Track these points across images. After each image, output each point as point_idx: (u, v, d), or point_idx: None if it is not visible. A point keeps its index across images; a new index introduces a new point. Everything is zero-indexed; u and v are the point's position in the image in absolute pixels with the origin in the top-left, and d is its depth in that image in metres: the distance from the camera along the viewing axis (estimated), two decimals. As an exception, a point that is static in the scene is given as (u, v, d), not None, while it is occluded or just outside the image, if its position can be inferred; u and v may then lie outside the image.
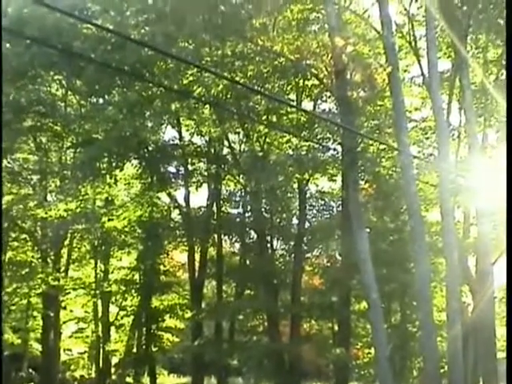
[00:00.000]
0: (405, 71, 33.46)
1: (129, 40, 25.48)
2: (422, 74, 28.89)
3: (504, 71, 31.24)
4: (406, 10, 29.91)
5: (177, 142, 35.61)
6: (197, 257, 36.98)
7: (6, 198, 33.18)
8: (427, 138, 33.88)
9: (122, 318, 39.00)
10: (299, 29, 28.65)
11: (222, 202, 36.92)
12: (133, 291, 37.82)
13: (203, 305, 37.36)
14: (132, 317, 38.93)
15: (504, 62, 31.05)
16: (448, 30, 27.29)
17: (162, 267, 38.15)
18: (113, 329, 39.28)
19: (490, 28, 29.46)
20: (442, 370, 24.55)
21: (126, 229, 36.14)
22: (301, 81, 32.19)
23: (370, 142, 29.99)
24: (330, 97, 31.85)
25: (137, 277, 38.27)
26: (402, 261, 32.01)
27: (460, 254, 25.53)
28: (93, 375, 40.38)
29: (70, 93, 35.57)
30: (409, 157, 24.51)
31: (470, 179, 26.98)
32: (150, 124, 32.67)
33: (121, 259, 38.80)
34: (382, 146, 31.23)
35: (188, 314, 37.28)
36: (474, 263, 29.58)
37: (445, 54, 31.63)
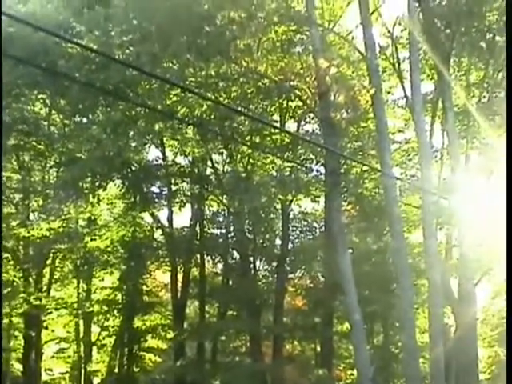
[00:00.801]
0: (388, 93, 33.70)
1: (112, 60, 25.51)
2: (406, 96, 28.97)
3: (486, 94, 31.53)
4: (389, 32, 30.06)
5: (160, 162, 35.62)
6: (179, 277, 36.95)
7: (-12, 217, 33.03)
8: (410, 160, 34.07)
9: (104, 338, 38.80)
10: (283, 50, 28.78)
11: (205, 222, 36.90)
12: (115, 311, 37.64)
13: (186, 325, 37.29)
14: (114, 337, 38.71)
15: (486, 85, 31.37)
16: (431, 52, 27.46)
17: (144, 287, 38.01)
18: (95, 349, 39.07)
19: (473, 51, 29.77)
20: (424, 392, 24.58)
21: (109, 249, 36.03)
22: (284, 102, 32.26)
23: (354, 163, 30.09)
24: (313, 118, 31.95)
25: (119, 297, 38.10)
26: (384, 282, 32.08)
27: (442, 276, 25.57)
28: (74, 396, 40.12)
29: (53, 112, 35.50)
30: (392, 178, 24.61)
31: (452, 201, 27.08)
32: (133, 144, 32.69)
33: (103, 279, 38.63)
34: (365, 168, 31.36)
35: (170, 335, 37.18)
36: (457, 284, 29.65)
37: (428, 77, 31.83)
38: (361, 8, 25.76)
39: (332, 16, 32.28)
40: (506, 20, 18.77)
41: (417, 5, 26.96)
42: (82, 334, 38.25)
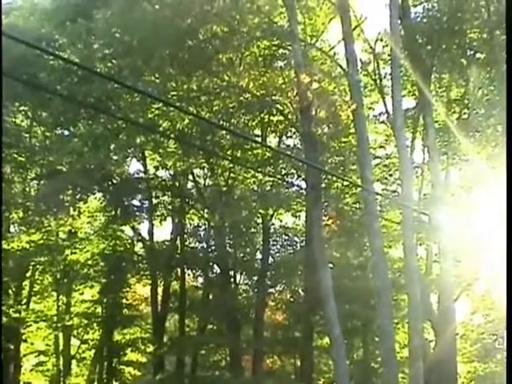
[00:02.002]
0: (369, 108, 33.85)
1: (92, 73, 25.52)
2: (387, 112, 29.12)
3: (466, 110, 31.77)
4: (371, 48, 30.21)
5: (141, 175, 35.61)
6: (160, 290, 36.86)
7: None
8: (391, 175, 34.23)
9: (83, 351, 38.62)
10: (266, 65, 28.91)
11: (185, 236, 36.83)
12: (95, 324, 37.48)
13: (165, 339, 37.13)
14: (93, 350, 38.53)
15: (466, 102, 31.60)
16: (412, 68, 27.63)
17: (124, 301, 37.84)
18: (74, 362, 38.89)
19: (454, 67, 29.95)
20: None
21: (89, 262, 35.92)
22: (266, 116, 32.28)
23: (334, 178, 30.18)
24: (294, 133, 32.05)
25: (99, 310, 37.95)
26: (364, 297, 32.09)
27: (422, 291, 25.61)
28: (53, 409, 39.87)
29: (35, 124, 35.43)
30: (372, 193, 24.68)
31: (432, 216, 27.21)
32: (115, 157, 32.67)
33: (83, 292, 38.48)
34: (345, 183, 31.44)
35: (150, 348, 37.06)
36: (437, 300, 29.75)
37: (409, 93, 32.04)
38: (343, 24, 25.89)
39: (314, 31, 32.39)
40: (506, 20, 18.91)
41: (398, 21, 27.11)
42: (61, 347, 38.05)
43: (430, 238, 30.09)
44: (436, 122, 30.03)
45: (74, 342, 38.77)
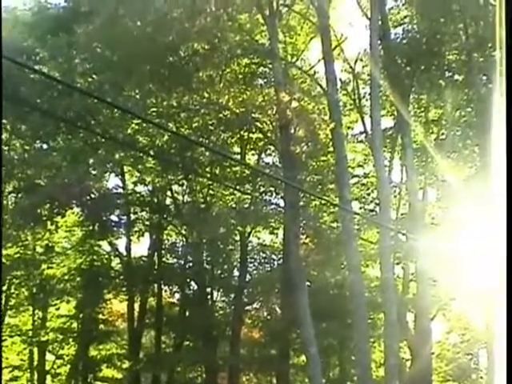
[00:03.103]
0: (348, 128, 34.00)
1: (71, 88, 25.52)
2: (365, 131, 29.31)
3: (444, 131, 32.01)
4: (351, 67, 30.46)
5: (120, 190, 35.46)
6: (136, 306, 36.68)
7: None
8: (369, 194, 34.35)
9: (58, 366, 38.29)
10: (246, 82, 29.02)
11: (163, 252, 36.74)
12: (70, 340, 37.20)
13: (141, 355, 36.93)
14: (69, 366, 38.24)
15: (444, 123, 31.85)
16: (391, 89, 27.82)
17: (100, 316, 37.61)
18: (49, 378, 38.50)
19: (432, 89, 30.20)
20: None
21: (66, 276, 35.68)
22: (245, 134, 32.32)
23: (313, 196, 30.27)
24: (274, 150, 32.13)
25: (75, 325, 37.66)
26: (341, 315, 32.12)
27: (399, 310, 25.72)
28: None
29: (13, 137, 35.25)
30: (350, 212, 24.79)
31: (409, 236, 27.32)
32: (93, 172, 32.57)
33: (59, 307, 38.23)
34: (324, 201, 31.52)
35: (126, 365, 36.82)
36: (413, 319, 29.86)
37: (388, 112, 32.21)
38: (323, 43, 26.10)
39: (295, 50, 32.54)
40: (506, 20, 19.15)
41: (378, 42, 27.34)
42: (35, 363, 37.71)
43: (407, 258, 30.22)
44: (414, 142, 30.22)
45: (49, 357, 38.42)
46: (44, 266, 34.36)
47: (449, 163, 30.25)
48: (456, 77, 29.75)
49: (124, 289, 36.94)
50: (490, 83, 25.46)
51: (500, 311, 24.98)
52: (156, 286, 36.53)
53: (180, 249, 36.96)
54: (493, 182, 23.53)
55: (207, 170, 32.03)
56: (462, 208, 30.32)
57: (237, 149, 34.11)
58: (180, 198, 35.92)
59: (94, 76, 29.16)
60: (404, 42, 29.82)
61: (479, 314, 33.23)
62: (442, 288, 33.05)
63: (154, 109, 29.53)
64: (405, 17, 30.95)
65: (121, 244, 36.38)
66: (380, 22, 27.69)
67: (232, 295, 36.13)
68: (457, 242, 27.76)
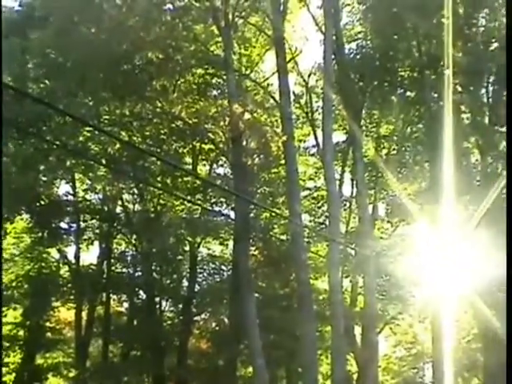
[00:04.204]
0: (301, 141, 34.16)
1: (23, 94, 25.26)
2: (317, 145, 29.46)
3: (395, 146, 32.33)
4: (304, 81, 30.64)
5: (70, 197, 35.21)
6: (84, 315, 36.40)
7: None
8: (319, 208, 34.53)
9: (3, 375, 37.83)
10: (199, 93, 29.02)
11: (112, 260, 36.52)
12: (16, 347, 36.76)
13: (88, 364, 36.62)
14: (14, 374, 37.78)
15: (396, 138, 32.17)
16: (344, 103, 28.05)
17: (48, 324, 37.24)
18: (-7, 386, 38.12)
19: (384, 104, 30.53)
20: None
21: (13, 283, 35.27)
22: (198, 144, 32.28)
23: (263, 208, 30.35)
24: (225, 162, 32.16)
25: (21, 333, 37.23)
26: (289, 327, 32.15)
27: (346, 323, 25.88)
28: None
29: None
30: (300, 225, 24.91)
31: (358, 250, 27.53)
32: (44, 178, 32.30)
33: (6, 315, 37.75)
34: (274, 213, 31.63)
35: (72, 373, 36.46)
36: (360, 332, 30.05)
37: (340, 127, 32.47)
38: (278, 56, 26.29)
39: (249, 62, 32.66)
40: (506, 21, 19.41)
41: (332, 56, 27.57)
42: (-20, 370, 37.29)
43: (355, 271, 30.40)
44: (365, 156, 30.49)
45: (-6, 364, 38.00)
46: (-9, 273, 33.94)
47: (399, 178, 30.56)
48: (408, 93, 30.09)
49: (72, 297, 36.62)
50: (441, 100, 25.77)
51: (447, 325, 25.27)
52: (104, 294, 36.28)
53: (129, 258, 36.74)
54: (442, 198, 23.87)
55: (158, 179, 31.93)
56: (411, 223, 30.70)
57: (189, 159, 34.07)
58: (130, 206, 35.77)
59: (47, 82, 28.92)
60: (358, 57, 30.14)
61: (426, 327, 33.62)
62: (390, 302, 33.40)
63: (107, 116, 29.43)
64: (359, 33, 31.27)
65: (70, 252, 36.15)
66: (334, 37, 27.94)
67: (180, 305, 36.05)
68: (405, 256, 28.07)
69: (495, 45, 26.81)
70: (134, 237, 34.51)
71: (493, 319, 23.33)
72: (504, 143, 28.21)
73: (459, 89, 27.18)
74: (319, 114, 29.61)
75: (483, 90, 28.07)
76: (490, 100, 27.81)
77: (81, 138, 29.95)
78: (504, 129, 28.02)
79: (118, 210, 35.81)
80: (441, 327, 26.06)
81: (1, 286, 31.83)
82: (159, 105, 27.57)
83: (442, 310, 25.67)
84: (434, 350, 27.44)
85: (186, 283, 36.50)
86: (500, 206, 25.97)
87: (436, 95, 27.58)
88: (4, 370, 37.10)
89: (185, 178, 32.06)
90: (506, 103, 18.99)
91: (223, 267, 37.11)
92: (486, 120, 27.76)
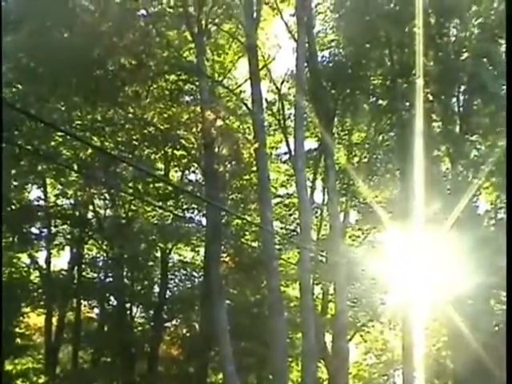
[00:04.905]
0: (273, 148, 34.21)
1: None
2: (289, 152, 29.52)
3: (367, 154, 32.49)
4: (277, 88, 30.73)
5: (41, 202, 35.03)
6: (54, 321, 36.20)
7: None
8: (291, 215, 34.57)
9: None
10: (172, 99, 28.98)
11: (83, 266, 36.34)
12: (-15, 353, 36.55)
13: (58, 370, 36.43)
14: (-18, 380, 37.54)
15: (367, 146, 32.33)
16: (316, 111, 28.15)
17: (17, 330, 36.97)
18: (-39, 392, 37.77)
19: (356, 112, 30.68)
20: None
21: (-18, 289, 35.09)
22: (170, 150, 32.24)
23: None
24: (197, 168, 32.14)
25: (-10, 339, 37.03)
26: (260, 334, 32.18)
27: (317, 330, 25.94)
28: None
29: None
30: (271, 232, 24.96)
31: (329, 257, 27.61)
32: (14, 183, 32.13)
33: (-26, 320, 37.50)
34: (245, 220, 31.68)
35: (42, 380, 36.20)
36: (331, 339, 30.11)
37: (312, 134, 32.54)
38: (250, 63, 26.34)
39: (222, 68, 32.67)
40: (506, 20, 19.51)
41: (305, 64, 27.69)
42: None
43: (326, 278, 30.48)
44: (337, 164, 30.59)
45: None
46: (-41, 278, 33.67)
47: (370, 186, 30.71)
48: (380, 101, 30.23)
49: (42, 302, 36.38)
50: (413, 109, 25.95)
51: (418, 332, 25.41)
52: (75, 300, 36.11)
53: (100, 263, 36.59)
54: (412, 206, 24.04)
55: (130, 185, 31.87)
56: (381, 231, 30.87)
57: (161, 165, 34.05)
58: (102, 212, 35.65)
59: (19, 86, 28.78)
60: (330, 65, 30.28)
61: (396, 335, 33.78)
62: (361, 309, 33.52)
63: (79, 122, 29.33)
64: (332, 41, 31.37)
65: (41, 257, 35.93)
66: (307, 45, 28.02)
67: (152, 311, 35.97)
68: (376, 263, 28.23)
69: (466, 54, 27.00)
70: (106, 242, 34.37)
71: (462, 326, 23.48)
72: (474, 152, 28.53)
73: (430, 98, 27.38)
74: (291, 121, 29.68)
75: (454, 99, 28.25)
76: (461, 109, 28.00)
77: (52, 143, 29.83)
78: (474, 137, 28.35)
79: (90, 215, 35.66)
80: (411, 334, 26.24)
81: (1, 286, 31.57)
82: (131, 110, 27.53)
83: (413, 318, 25.87)
84: (404, 357, 27.54)
85: (157, 289, 36.41)
86: (470, 214, 26.29)
87: (407, 104, 27.75)
88: (-28, 376, 36.84)
89: (156, 184, 32.02)
90: (506, 103, 19.12)
91: (194, 273, 37.10)
92: (457, 129, 27.94)
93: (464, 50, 27.30)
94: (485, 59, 26.84)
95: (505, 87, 27.15)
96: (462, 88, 27.98)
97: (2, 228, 33.85)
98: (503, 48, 27.48)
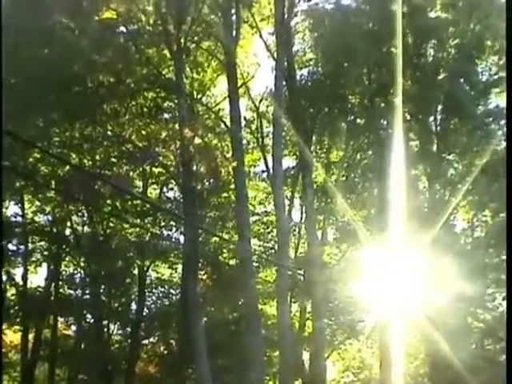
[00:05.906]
0: (251, 166, 34.23)
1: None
2: (268, 170, 29.58)
3: (345, 173, 32.61)
4: (255, 106, 30.82)
5: (19, 219, 34.87)
6: (31, 338, 35.95)
7: None
8: (269, 233, 34.58)
9: None
10: (150, 116, 28.99)
11: (60, 283, 36.16)
12: (-40, 371, 36.24)
13: (34, 388, 36.22)
14: (-43, 398, 37.22)
15: (345, 164, 32.46)
16: (294, 129, 28.25)
17: (-7, 347, 36.79)
18: None
19: (334, 131, 30.82)
20: None
21: (-42, 305, 34.83)
22: (148, 168, 32.23)
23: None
24: (176, 185, 32.12)
25: (-35, 356, 36.75)
26: (238, 352, 32.11)
27: (294, 348, 25.95)
28: None
29: None
30: (248, 250, 24.99)
31: (307, 275, 27.64)
32: (-9, 199, 32.00)
33: (-51, 338, 37.20)
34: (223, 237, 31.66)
35: (17, 397, 36.06)
36: (308, 357, 30.09)
37: (290, 152, 32.62)
38: (229, 81, 26.45)
39: (201, 86, 32.67)
40: (506, 21, 19.69)
41: (284, 82, 27.82)
42: None
43: (304, 297, 30.49)
44: (315, 182, 30.71)
45: None
46: None
47: (348, 204, 30.78)
48: (358, 120, 30.39)
49: (19, 319, 36.16)
50: (391, 128, 26.12)
51: (395, 350, 25.44)
52: (52, 317, 35.90)
53: (78, 280, 36.39)
54: (390, 223, 24.15)
55: (108, 202, 31.76)
56: (360, 249, 30.93)
57: (139, 182, 33.98)
58: (80, 228, 35.51)
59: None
60: (308, 83, 30.43)
61: (374, 353, 33.80)
62: (338, 327, 33.52)
63: (57, 138, 29.25)
64: (310, 59, 31.52)
65: (17, 273, 35.72)
66: (286, 64, 28.18)
67: (129, 329, 35.80)
68: (354, 280, 28.26)
69: (443, 74, 27.25)
70: (83, 259, 34.24)
71: (440, 343, 23.55)
72: (451, 171, 28.74)
73: (408, 117, 27.60)
74: (269, 139, 29.70)
75: (431, 118, 28.47)
76: (438, 128, 28.22)
77: (30, 159, 29.72)
78: (451, 156, 28.56)
79: (67, 232, 35.51)
80: (389, 352, 26.27)
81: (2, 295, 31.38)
82: (110, 127, 27.56)
83: (390, 335, 25.92)
84: (382, 375, 27.59)
85: (134, 306, 36.26)
86: (447, 232, 26.45)
87: (385, 122, 27.93)
88: None
89: (134, 202, 31.95)
90: (506, 102, 19.29)
91: (172, 291, 36.99)
92: (434, 148, 28.15)
93: (441, 69, 27.55)
94: (461, 79, 27.11)
95: (481, 107, 27.51)
96: (439, 107, 28.22)
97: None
98: (480, 68, 27.81)
